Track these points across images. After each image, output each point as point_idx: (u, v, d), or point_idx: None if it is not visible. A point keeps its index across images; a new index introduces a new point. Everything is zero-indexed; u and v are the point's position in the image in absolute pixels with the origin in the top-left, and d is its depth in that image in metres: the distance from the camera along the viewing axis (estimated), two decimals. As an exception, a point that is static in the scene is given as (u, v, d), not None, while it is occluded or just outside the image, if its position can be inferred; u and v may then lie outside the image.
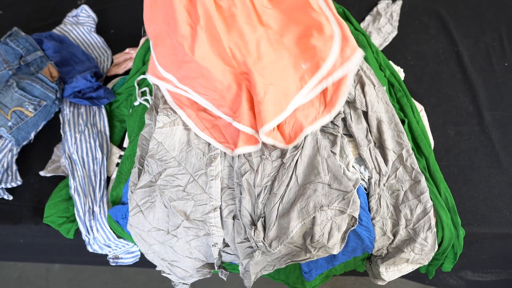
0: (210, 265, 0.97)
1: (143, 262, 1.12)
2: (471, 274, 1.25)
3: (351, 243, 0.93)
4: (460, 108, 1.17)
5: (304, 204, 0.86)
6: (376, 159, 0.94)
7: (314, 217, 0.86)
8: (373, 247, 0.94)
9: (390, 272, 0.95)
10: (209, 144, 0.94)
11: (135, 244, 1.03)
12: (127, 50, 1.29)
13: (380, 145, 0.97)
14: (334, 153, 0.92)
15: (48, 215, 1.01)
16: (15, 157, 1.10)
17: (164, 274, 0.99)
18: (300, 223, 0.85)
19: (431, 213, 0.91)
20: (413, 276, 1.33)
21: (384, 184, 0.93)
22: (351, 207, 0.86)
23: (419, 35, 1.32)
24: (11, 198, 1.07)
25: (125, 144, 1.11)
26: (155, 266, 1.10)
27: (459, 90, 1.20)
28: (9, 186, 1.06)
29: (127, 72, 1.26)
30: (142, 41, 1.22)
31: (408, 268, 0.96)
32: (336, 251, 0.88)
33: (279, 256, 0.90)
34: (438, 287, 1.37)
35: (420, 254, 0.92)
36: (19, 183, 1.08)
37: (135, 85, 1.13)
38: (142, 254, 1.09)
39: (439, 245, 0.97)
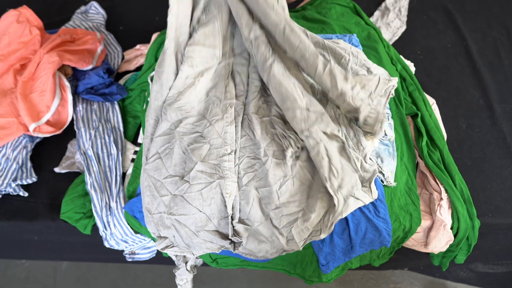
0: (221, 235, 0.90)
1: (156, 259, 1.12)
2: (482, 266, 1.27)
3: (369, 235, 0.94)
4: (470, 102, 1.18)
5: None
6: None
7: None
8: (391, 239, 0.94)
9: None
10: (225, 92, 0.97)
11: (153, 239, 1.03)
12: (137, 46, 1.29)
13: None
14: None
15: (65, 211, 1.01)
16: (29, 154, 1.10)
17: (168, 250, 0.92)
18: None
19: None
20: (423, 269, 1.35)
21: None
22: (329, 126, 0.89)
23: (428, 29, 1.33)
24: (26, 194, 1.06)
25: (140, 140, 1.11)
26: (164, 263, 1.10)
27: (469, 83, 1.21)
28: (24, 182, 1.06)
29: (138, 69, 1.26)
30: (154, 37, 1.23)
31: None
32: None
33: (320, 219, 0.88)
34: (448, 280, 1.39)
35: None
36: (34, 179, 1.07)
37: (149, 80, 1.13)
38: (158, 251, 1.09)
39: (455, 236, 0.98)
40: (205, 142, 0.92)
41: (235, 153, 0.92)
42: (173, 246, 0.92)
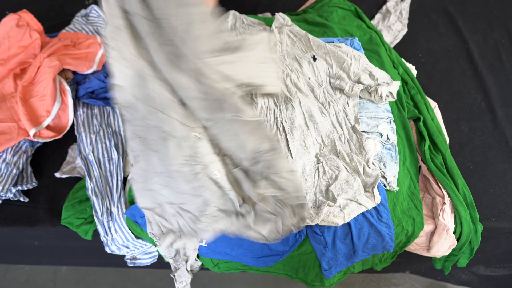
0: (226, 213, 0.86)
1: (157, 263, 1.12)
2: (484, 269, 1.27)
3: (371, 240, 0.94)
4: (472, 105, 1.18)
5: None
6: None
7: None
8: (394, 244, 0.94)
9: None
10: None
11: (154, 244, 1.03)
12: (138, 50, 1.28)
13: None
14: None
15: (66, 217, 1.01)
16: (29, 159, 1.09)
17: (175, 244, 0.88)
18: None
19: None
20: (425, 272, 1.34)
21: None
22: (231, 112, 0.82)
23: (429, 32, 1.33)
24: (27, 200, 1.06)
25: (141, 144, 1.10)
26: (164, 267, 1.10)
27: (470, 86, 1.21)
28: (24, 188, 1.05)
29: (138, 72, 1.26)
30: (154, 40, 1.22)
31: None
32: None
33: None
34: (450, 283, 1.39)
35: None
36: (35, 185, 1.07)
37: (149, 85, 1.12)
38: (159, 256, 1.09)
39: (457, 240, 0.98)
40: (169, 138, 0.84)
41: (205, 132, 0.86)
42: (180, 239, 0.88)
